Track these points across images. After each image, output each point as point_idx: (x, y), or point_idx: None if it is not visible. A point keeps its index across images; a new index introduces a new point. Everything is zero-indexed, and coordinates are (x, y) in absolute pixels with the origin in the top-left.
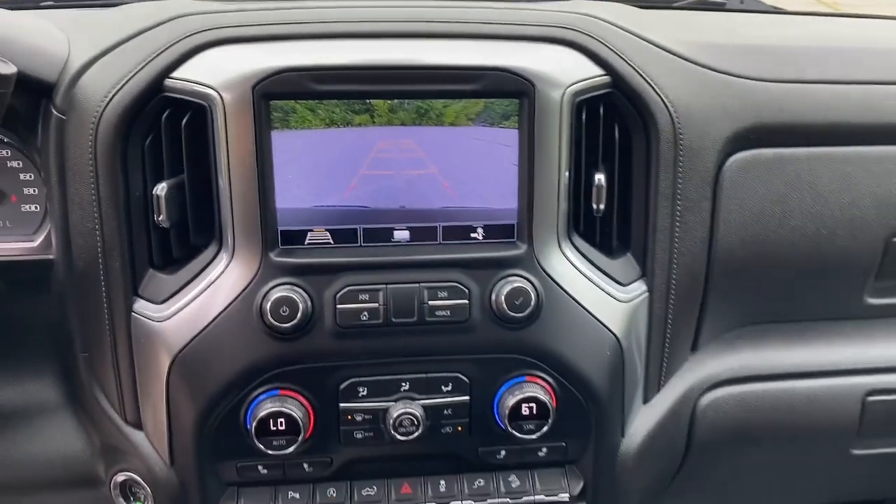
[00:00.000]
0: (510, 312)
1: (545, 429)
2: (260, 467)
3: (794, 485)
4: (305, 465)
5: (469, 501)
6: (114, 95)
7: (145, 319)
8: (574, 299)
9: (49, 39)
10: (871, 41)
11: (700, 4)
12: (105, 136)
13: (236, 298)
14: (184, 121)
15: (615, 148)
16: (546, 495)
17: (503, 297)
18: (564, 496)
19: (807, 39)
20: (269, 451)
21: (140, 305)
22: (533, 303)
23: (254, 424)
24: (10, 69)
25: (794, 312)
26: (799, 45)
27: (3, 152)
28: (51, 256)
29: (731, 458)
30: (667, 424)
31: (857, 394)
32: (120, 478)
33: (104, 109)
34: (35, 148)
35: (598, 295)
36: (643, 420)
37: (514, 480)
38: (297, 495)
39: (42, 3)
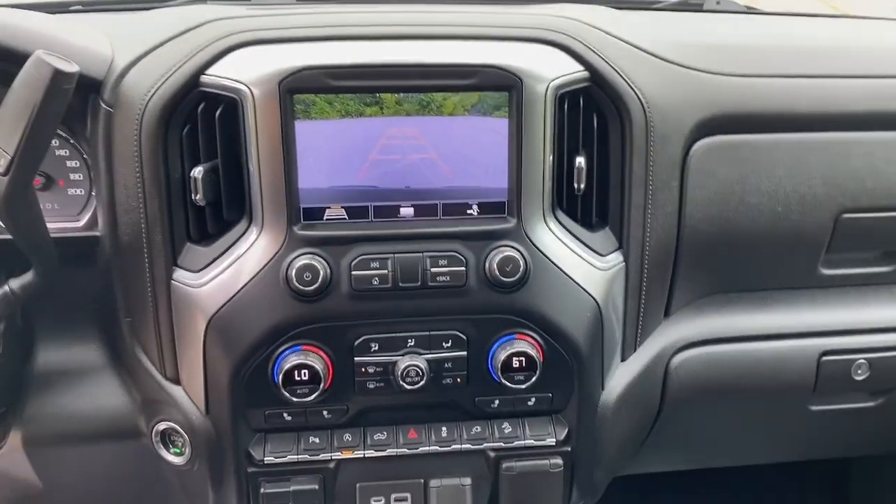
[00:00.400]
0: (502, 278)
1: (533, 380)
2: (285, 414)
3: (759, 440)
4: (325, 413)
5: (467, 445)
6: (156, 91)
7: (184, 286)
8: (558, 267)
9: (94, 41)
10: (828, 40)
11: (679, 5)
12: (148, 126)
13: (264, 266)
14: (217, 112)
15: (594, 135)
16: (535, 440)
17: (495, 265)
18: (551, 441)
19: (769, 38)
20: (294, 399)
21: (179, 274)
22: (521, 270)
23: (280, 376)
24: (73, 67)
25: (756, 282)
26: (759, 43)
27: (53, 142)
28: (97, 233)
29: (701, 413)
30: (642, 380)
31: (813, 354)
32: (160, 427)
33: (147, 103)
34: (83, 137)
35: (580, 263)
36: (621, 376)
37: (507, 427)
38: (317, 440)
39: (72, 8)
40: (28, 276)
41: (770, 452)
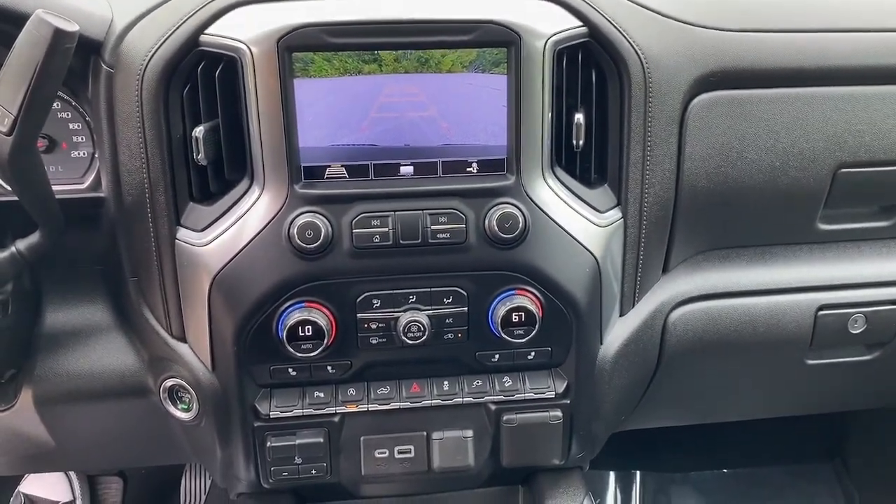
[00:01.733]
0: (501, 234)
1: (532, 335)
2: (290, 370)
3: (756, 394)
4: (329, 368)
5: (469, 398)
6: (156, 50)
7: (187, 245)
8: (557, 223)
9: (93, 2)
10: None
11: None
12: (149, 86)
13: (267, 225)
14: (217, 71)
15: (593, 91)
16: (534, 393)
17: (495, 222)
18: (550, 393)
19: None
20: (298, 355)
21: (182, 233)
22: (521, 226)
23: (284, 332)
24: (74, 27)
25: (754, 237)
26: None
27: (55, 105)
28: (101, 195)
29: (698, 368)
30: (640, 335)
31: (811, 309)
32: (168, 384)
33: (148, 63)
34: (85, 99)
35: (578, 220)
36: (619, 331)
37: (507, 381)
38: (322, 394)
39: None
40: (34, 238)
41: (767, 407)
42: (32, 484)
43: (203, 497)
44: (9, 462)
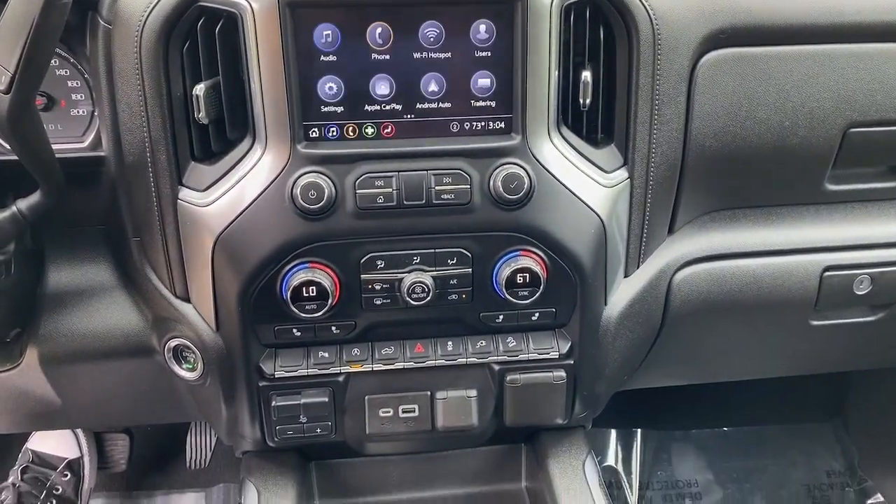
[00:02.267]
0: (506, 195)
1: (537, 296)
2: (294, 330)
3: (759, 355)
4: (333, 328)
5: (473, 358)
6: (155, 6)
7: (190, 205)
8: (562, 184)
9: None
10: None
11: None
12: (148, 43)
13: (270, 185)
14: (217, 28)
15: (600, 48)
16: (538, 353)
17: (500, 182)
18: (554, 354)
19: None
20: (303, 316)
21: (185, 193)
22: (526, 186)
23: (288, 293)
24: None
25: (761, 198)
26: None
27: (53, 62)
28: (101, 153)
29: (702, 329)
30: (645, 296)
31: (816, 270)
32: (172, 344)
33: (146, 19)
34: (83, 56)
35: (584, 180)
36: (624, 291)
37: (511, 341)
38: (327, 354)
39: None
40: (35, 197)
41: (770, 367)
42: (40, 441)
43: (209, 453)
44: (16, 420)
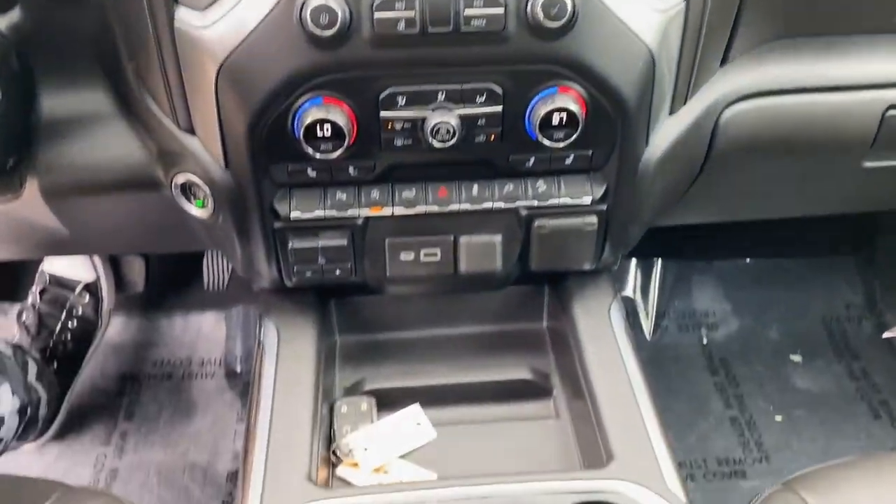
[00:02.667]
0: (546, 22)
1: (574, 137)
2: (309, 170)
3: (802, 195)
4: (351, 169)
5: (500, 203)
6: None
7: (188, 28)
8: (610, 9)
9: None
10: None
11: None
12: None
13: (276, 5)
14: None
15: None
16: (570, 198)
17: (539, 6)
18: (587, 199)
19: None
20: (317, 156)
21: (182, 13)
22: (569, 12)
23: (301, 131)
24: None
25: (828, 23)
26: None
27: None
28: None
29: (745, 169)
30: (689, 135)
31: (878, 108)
32: (179, 179)
33: None
34: None
35: (634, 5)
36: (667, 130)
37: (541, 185)
38: (344, 196)
39: None
40: (15, 14)
41: (812, 206)
42: (55, 263)
43: (226, 277)
44: (26, 247)
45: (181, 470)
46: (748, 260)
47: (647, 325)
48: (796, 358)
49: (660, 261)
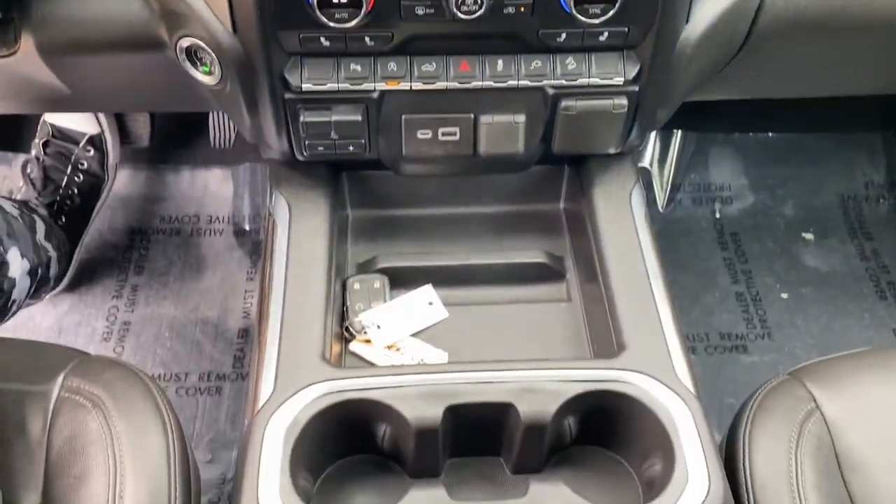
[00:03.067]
0: None
1: (611, 12)
2: (322, 39)
3: (843, 75)
4: (367, 39)
5: (525, 81)
6: None
7: None
8: None
9: None
10: None
11: None
12: None
13: None
14: None
15: None
16: (601, 78)
17: None
18: (619, 80)
19: None
20: (331, 24)
21: None
22: None
23: None
24: None
25: None
26: None
27: None
28: None
29: (787, 48)
30: (731, 13)
31: None
32: (184, 43)
33: None
34: None
35: None
36: (710, 6)
37: (571, 63)
38: (359, 67)
39: None
40: None
41: (849, 86)
42: (58, 116)
43: (233, 134)
44: (25, 103)
45: (193, 325)
46: (770, 134)
47: (660, 198)
48: (808, 236)
49: (679, 132)
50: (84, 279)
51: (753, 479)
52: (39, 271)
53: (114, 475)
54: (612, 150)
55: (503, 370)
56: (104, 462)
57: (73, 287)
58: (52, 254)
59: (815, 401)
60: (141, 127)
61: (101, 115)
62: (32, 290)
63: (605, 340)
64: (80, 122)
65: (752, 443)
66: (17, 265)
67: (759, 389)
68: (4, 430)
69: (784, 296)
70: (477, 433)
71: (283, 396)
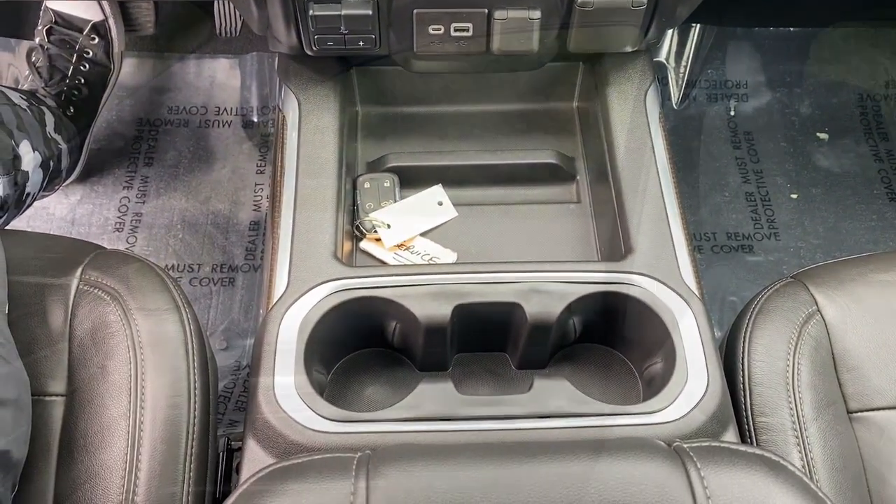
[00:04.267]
0: None
1: None
2: None
3: None
4: None
5: None
6: None
7: None
8: None
9: None
10: None
11: None
12: None
13: None
14: None
15: None
16: None
17: None
18: None
19: None
20: None
21: None
22: None
23: None
24: None
25: None
26: None
27: None
28: None
29: None
30: None
31: None
32: None
33: None
34: None
35: None
36: None
37: None
38: None
39: None
40: None
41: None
42: (59, 3)
43: (239, 23)
44: None
45: (204, 217)
46: (791, 29)
47: (675, 94)
48: (822, 135)
49: (698, 26)
50: (94, 170)
51: (751, 378)
52: (51, 164)
53: (134, 365)
54: (629, 49)
55: (511, 271)
56: (125, 352)
57: (83, 178)
58: (63, 146)
59: (816, 304)
60: (145, 14)
61: (105, 1)
62: (45, 182)
63: (613, 242)
64: (83, 9)
65: (752, 343)
66: (30, 158)
67: (763, 291)
68: (27, 322)
69: (794, 196)
70: (484, 331)
71: (296, 293)
